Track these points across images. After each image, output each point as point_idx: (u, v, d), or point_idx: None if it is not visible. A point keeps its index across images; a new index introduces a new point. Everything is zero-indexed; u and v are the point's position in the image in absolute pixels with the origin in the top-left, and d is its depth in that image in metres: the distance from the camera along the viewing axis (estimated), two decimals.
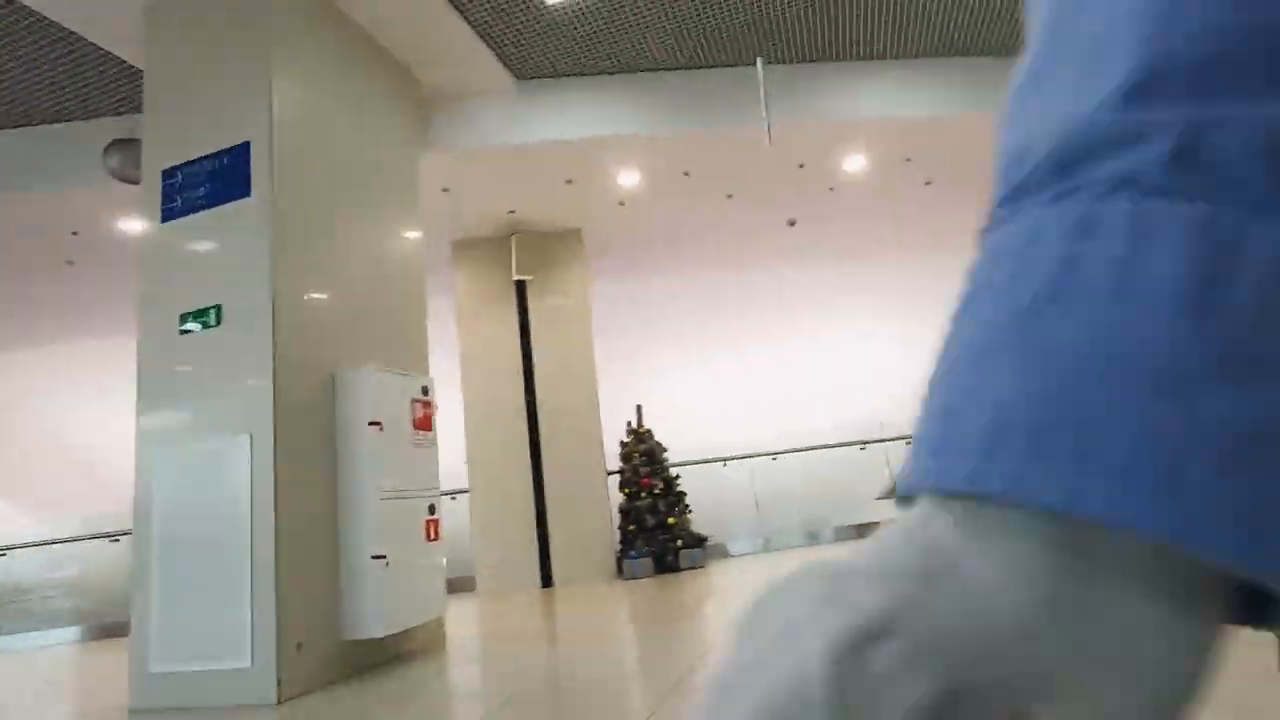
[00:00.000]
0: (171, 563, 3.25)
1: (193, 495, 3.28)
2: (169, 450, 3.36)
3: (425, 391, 3.97)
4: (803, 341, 9.63)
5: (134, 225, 5.62)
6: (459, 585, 6.65)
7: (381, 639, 3.54)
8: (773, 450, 7.60)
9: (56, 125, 5.12)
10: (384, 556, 3.42)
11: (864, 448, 7.68)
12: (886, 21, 5.29)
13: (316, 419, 3.49)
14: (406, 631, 3.76)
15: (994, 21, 5.42)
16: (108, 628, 6.60)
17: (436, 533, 3.85)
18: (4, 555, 7.42)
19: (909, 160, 6.37)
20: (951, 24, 5.40)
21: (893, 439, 7.66)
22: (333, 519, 3.46)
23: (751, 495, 7.54)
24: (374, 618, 3.35)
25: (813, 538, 7.21)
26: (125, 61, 4.52)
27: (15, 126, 5.13)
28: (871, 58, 5.69)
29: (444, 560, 3.90)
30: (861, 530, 7.11)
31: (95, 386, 9.17)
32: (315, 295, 3.64)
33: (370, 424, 3.52)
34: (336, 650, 3.34)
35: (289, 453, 3.27)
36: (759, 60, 4.13)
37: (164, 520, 3.30)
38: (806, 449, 7.74)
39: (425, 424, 3.93)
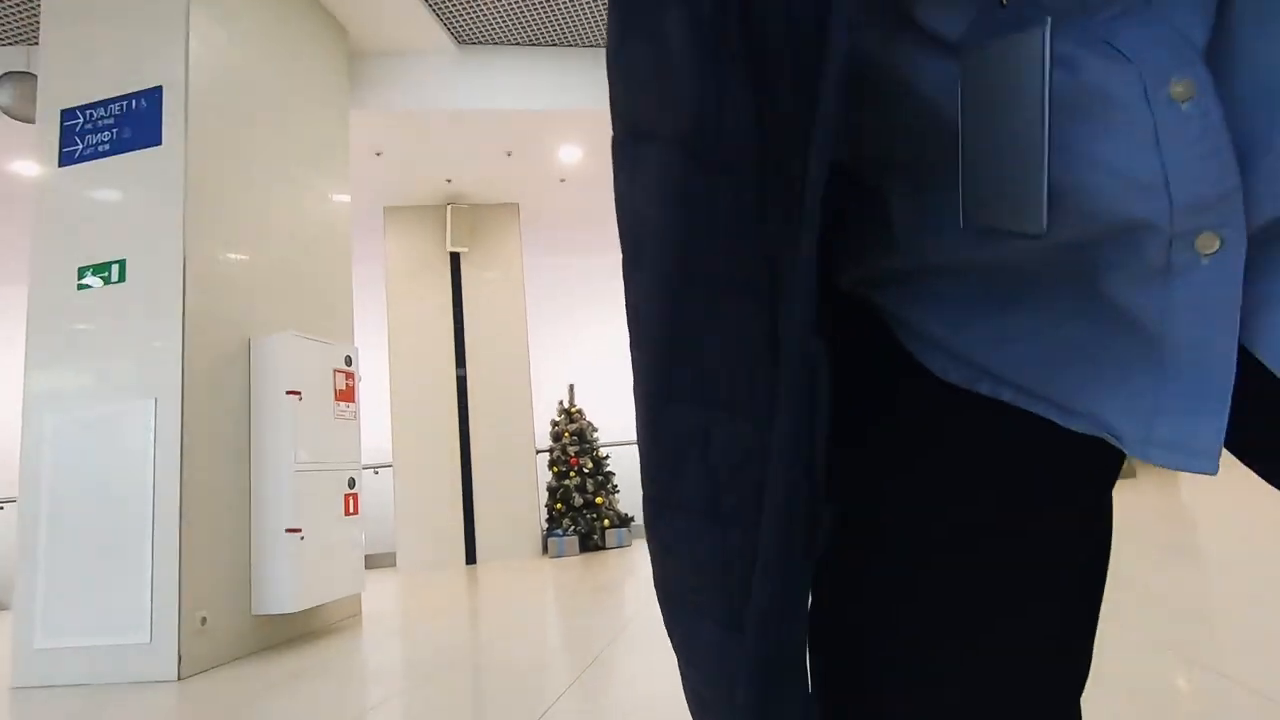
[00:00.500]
0: (62, 533, 3.05)
1: (88, 461, 3.07)
2: (62, 413, 3.13)
3: (348, 361, 3.84)
4: None
5: (28, 168, 5.17)
6: (380, 561, 6.52)
7: (294, 615, 3.44)
8: None
9: None
10: (299, 530, 3.31)
11: None
12: None
13: (229, 385, 3.32)
14: (321, 608, 3.67)
15: None
16: None
17: (355, 507, 3.75)
18: None
19: None
20: None
21: None
22: (245, 490, 3.32)
23: None
24: (286, 593, 3.24)
25: None
26: None
27: None
28: None
29: (362, 536, 3.81)
30: None
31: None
32: (231, 255, 3.45)
33: (288, 393, 3.38)
34: (245, 625, 3.23)
35: (197, 420, 3.11)
36: None
37: (55, 487, 3.09)
38: None
39: (348, 395, 3.80)
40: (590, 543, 6.24)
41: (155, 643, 2.89)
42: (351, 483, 3.74)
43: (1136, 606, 2.31)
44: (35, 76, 3.97)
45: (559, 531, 6.23)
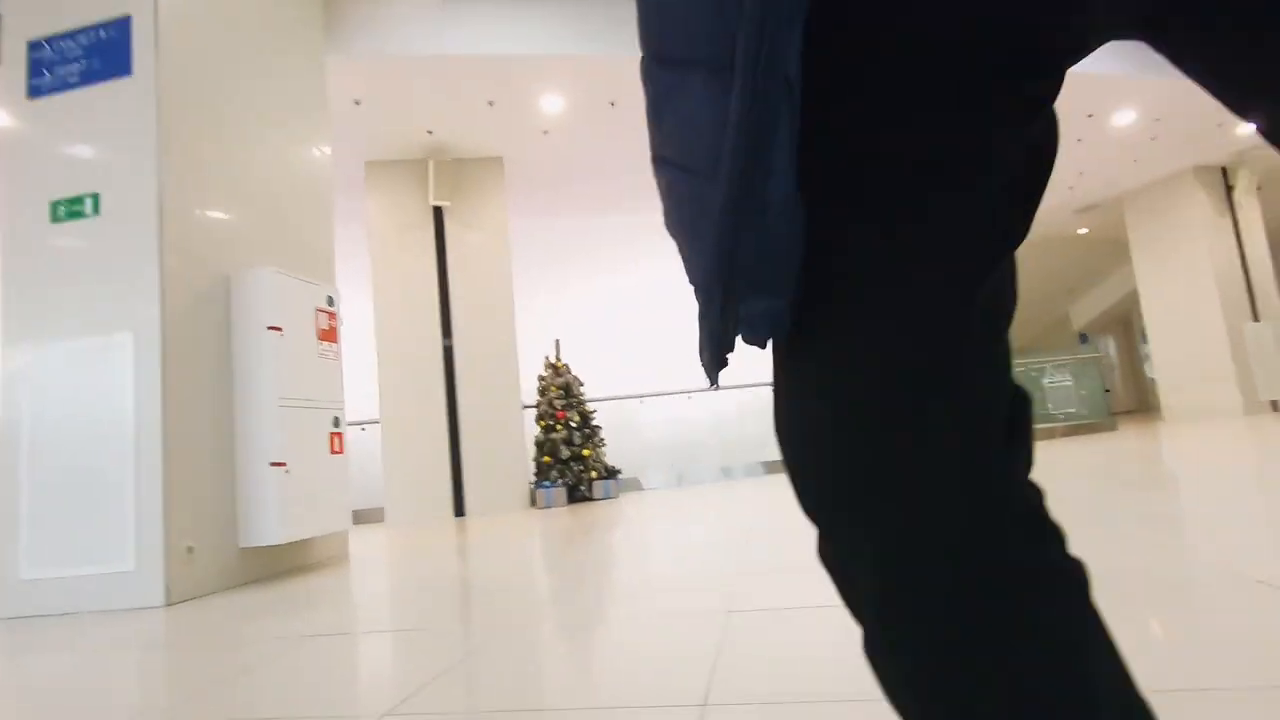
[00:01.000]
0: (44, 465, 3.05)
1: (68, 395, 3.06)
2: (39, 348, 3.11)
3: (330, 302, 3.83)
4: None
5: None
6: (369, 516, 6.57)
7: (281, 550, 3.48)
8: (687, 389, 7.78)
9: None
10: (284, 464, 3.33)
11: None
12: None
13: (209, 320, 3.31)
14: (307, 544, 3.70)
15: None
16: None
17: (341, 446, 3.77)
18: None
19: None
20: None
21: None
22: (229, 424, 3.33)
23: (666, 431, 7.73)
24: (271, 526, 3.27)
25: (726, 474, 7.49)
26: None
27: None
28: None
29: (347, 475, 3.83)
30: (771, 467, 7.44)
31: None
32: (208, 190, 3.41)
33: (269, 328, 3.37)
34: (233, 557, 3.26)
35: (178, 353, 3.10)
36: None
37: (35, 422, 3.08)
38: (721, 388, 7.96)
39: (330, 335, 3.80)
40: (578, 494, 6.31)
41: (140, 570, 2.91)
42: (336, 422, 3.75)
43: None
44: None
45: (547, 483, 6.29)
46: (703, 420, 7.96)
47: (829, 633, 1.44)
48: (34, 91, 3.30)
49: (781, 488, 5.47)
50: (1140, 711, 0.42)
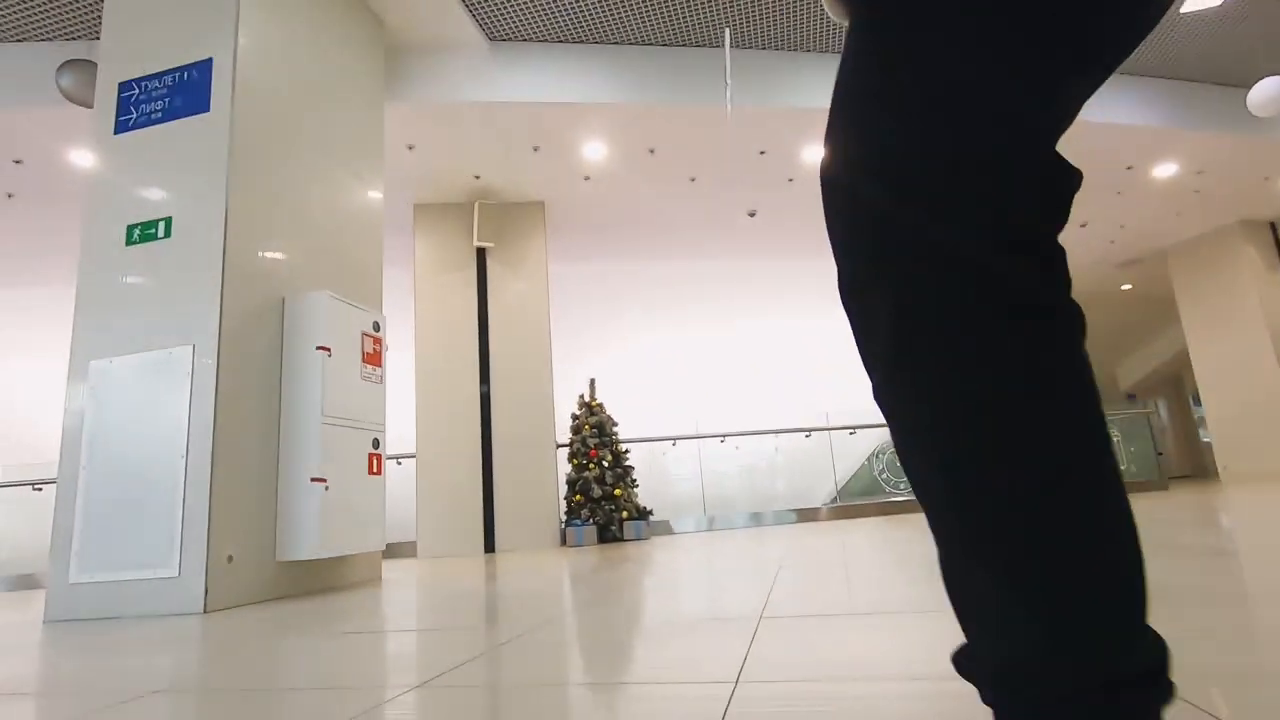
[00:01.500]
0: (100, 474, 3.18)
1: (128, 406, 3.22)
2: (106, 360, 3.29)
3: (376, 327, 3.98)
4: (754, 331, 9.84)
5: (84, 159, 5.47)
6: (400, 550, 6.59)
7: (316, 566, 3.52)
8: (721, 433, 7.74)
9: (7, 45, 4.98)
10: (324, 480, 3.40)
11: (809, 435, 7.88)
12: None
13: (263, 338, 3.47)
14: (342, 563, 3.74)
15: None
16: (26, 579, 6.33)
17: (379, 467, 3.85)
18: None
19: None
20: None
21: (836, 428, 7.89)
22: (274, 438, 3.44)
23: (698, 475, 7.66)
24: (309, 540, 3.33)
25: (756, 519, 7.36)
26: None
27: None
28: (831, 50, 5.94)
29: (384, 495, 3.89)
30: (803, 514, 7.29)
31: (20, 341, 8.80)
32: (270, 218, 3.62)
33: (319, 348, 3.51)
34: (269, 570, 3.31)
35: (232, 367, 3.25)
36: (726, 31, 4.28)
37: (95, 430, 3.23)
38: (753, 433, 7.90)
39: (374, 359, 3.93)
40: (608, 533, 6.25)
41: (183, 577, 2.98)
42: (376, 443, 3.84)
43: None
44: (95, 64, 4.25)
45: (577, 521, 6.26)
46: (735, 466, 7.88)
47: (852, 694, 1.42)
48: (120, 128, 3.59)
49: (813, 536, 5.31)
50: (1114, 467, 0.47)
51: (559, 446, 6.73)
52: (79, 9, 4.73)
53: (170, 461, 3.10)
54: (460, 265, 6.79)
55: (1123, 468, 8.84)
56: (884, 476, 8.28)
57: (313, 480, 3.38)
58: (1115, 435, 9.01)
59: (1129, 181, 7.40)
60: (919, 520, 6.23)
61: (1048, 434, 0.45)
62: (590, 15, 5.27)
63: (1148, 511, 4.94)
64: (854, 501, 7.87)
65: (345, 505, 3.52)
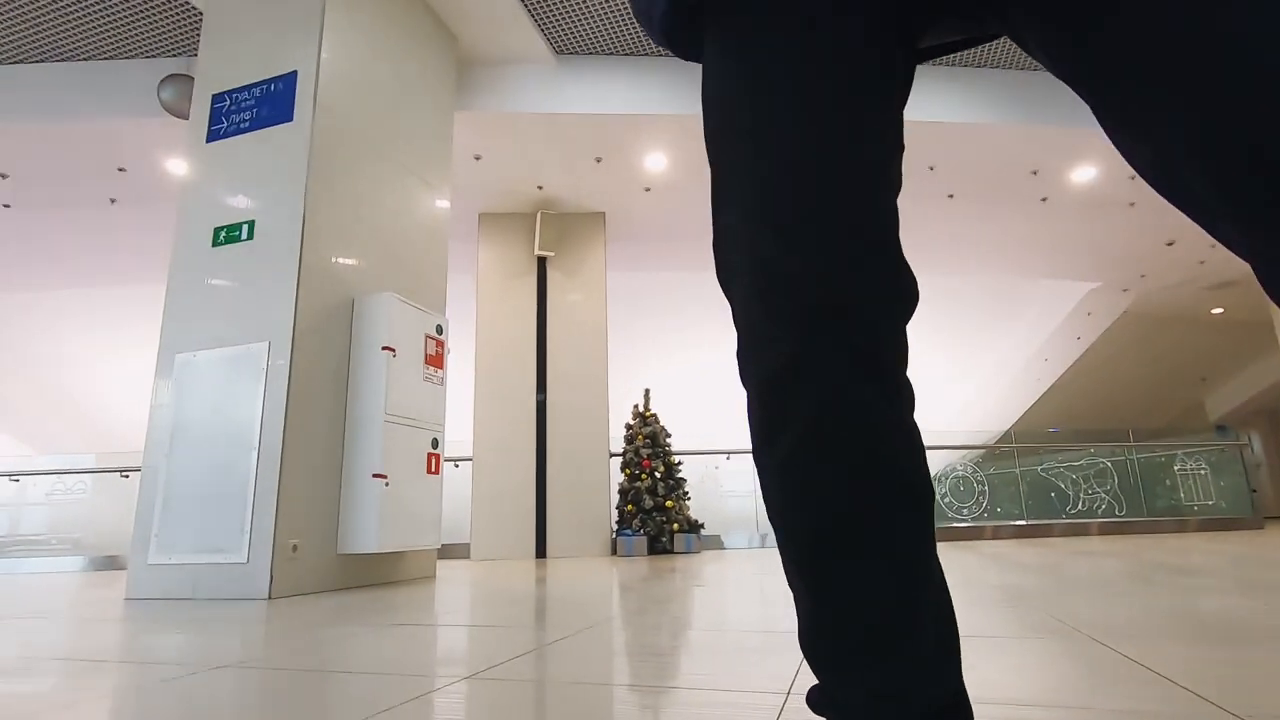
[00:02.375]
0: (181, 461, 3.36)
1: (208, 398, 3.39)
2: (189, 354, 3.49)
3: (439, 330, 4.09)
4: None
5: (179, 166, 5.84)
6: (454, 551, 6.71)
7: (375, 559, 3.62)
8: None
9: (117, 61, 5.38)
10: (384, 476, 3.50)
11: None
12: None
13: (333, 337, 3.61)
14: (399, 558, 3.84)
15: None
16: (113, 560, 6.73)
17: (437, 467, 3.94)
18: (16, 481, 7.60)
19: (932, 169, 6.47)
20: None
21: None
22: (339, 434, 3.56)
23: (751, 492, 7.54)
24: (369, 534, 3.42)
25: None
26: (184, 3, 4.76)
27: (82, 59, 5.40)
28: None
29: (441, 494, 3.97)
30: None
31: (119, 338, 9.42)
32: (344, 223, 3.78)
33: (384, 348, 3.63)
34: (331, 561, 3.42)
35: (304, 364, 3.39)
36: None
37: (177, 421, 3.42)
38: None
39: (437, 361, 4.03)
40: (659, 545, 6.22)
41: (251, 563, 3.11)
42: (435, 443, 3.93)
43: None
44: (192, 78, 4.55)
45: (628, 531, 6.25)
46: None
47: None
48: (211, 136, 3.81)
49: None
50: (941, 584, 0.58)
51: (612, 456, 6.75)
52: (180, 27, 5.08)
53: (243, 453, 3.25)
54: (521, 273, 6.93)
55: (1210, 503, 8.26)
56: (946, 500, 7.98)
57: (374, 476, 3.49)
58: (1203, 469, 8.45)
59: None
60: (980, 546, 5.96)
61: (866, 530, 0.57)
62: None
63: (1239, 552, 4.59)
64: None
65: (404, 502, 3.61)
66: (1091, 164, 6.38)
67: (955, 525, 7.62)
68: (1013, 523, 7.74)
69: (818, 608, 0.57)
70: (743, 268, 0.58)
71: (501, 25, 5.06)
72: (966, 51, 5.66)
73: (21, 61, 5.40)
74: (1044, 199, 6.95)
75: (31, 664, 1.66)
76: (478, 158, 6.05)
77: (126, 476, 6.94)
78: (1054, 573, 3.27)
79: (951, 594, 0.59)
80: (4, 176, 6.07)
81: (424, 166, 4.53)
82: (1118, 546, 5.39)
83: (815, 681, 0.60)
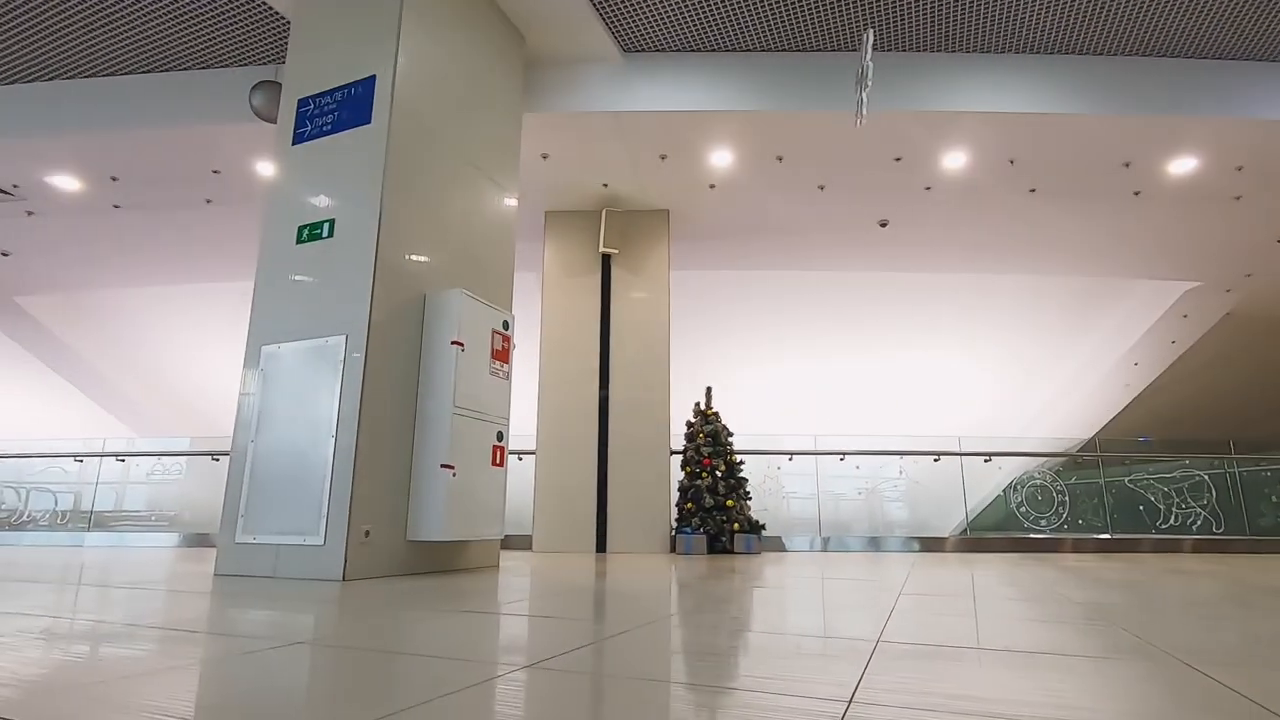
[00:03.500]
0: (263, 446, 3.56)
1: (290, 386, 3.58)
2: (275, 346, 3.68)
3: (506, 325, 4.18)
4: (882, 346, 9.38)
5: (267, 168, 6.17)
6: (517, 543, 6.86)
7: (441, 547, 3.74)
8: (840, 451, 7.44)
9: (212, 70, 5.73)
10: (452, 467, 3.61)
11: (938, 460, 7.40)
12: (996, 14, 5.18)
13: (405, 331, 3.74)
14: (464, 547, 3.95)
15: (1106, 21, 5.21)
16: (204, 537, 7.20)
17: (502, 459, 4.03)
18: (122, 461, 8.22)
19: (1012, 162, 6.18)
20: (1063, 20, 5.23)
21: (970, 454, 7.35)
22: (410, 425, 3.70)
23: (814, 494, 7.40)
24: (436, 522, 3.54)
25: (874, 544, 7.00)
26: (274, 13, 5.02)
27: (181, 69, 5.78)
28: (979, 50, 5.58)
29: (505, 486, 4.07)
30: (928, 544, 6.85)
31: (214, 330, 10.05)
32: (417, 221, 3.91)
33: (453, 342, 3.74)
34: (400, 547, 3.56)
35: (378, 356, 3.53)
36: (870, 32, 4.15)
37: (263, 409, 3.62)
38: (876, 453, 7.53)
39: (503, 356, 4.13)
40: (718, 544, 6.19)
41: (327, 546, 3.26)
42: (500, 436, 4.02)
43: None
44: (280, 84, 4.80)
45: (688, 529, 6.24)
46: (853, 486, 7.55)
47: None
48: (296, 139, 4.01)
49: (939, 566, 4.96)
50: None
51: (673, 453, 6.75)
52: (270, 36, 5.36)
53: (321, 441, 3.41)
54: (586, 270, 7.01)
55: None
56: (1023, 510, 7.62)
57: (442, 466, 3.60)
58: None
59: None
60: (1059, 560, 5.66)
61: None
62: (722, 24, 5.28)
63: None
64: (985, 534, 7.29)
65: (470, 493, 3.72)
66: (1191, 155, 5.95)
67: (1032, 536, 7.27)
68: (1095, 536, 7.32)
69: None
70: None
71: (570, 25, 5.13)
72: (1044, 35, 5.38)
73: (130, 73, 5.82)
74: (1136, 193, 6.53)
75: (135, 631, 1.79)
76: (545, 156, 6.15)
77: (217, 460, 7.40)
78: (1141, 591, 3.08)
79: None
80: (114, 179, 6.57)
81: (493, 166, 4.64)
82: (1214, 566, 5.03)
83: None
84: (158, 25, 5.29)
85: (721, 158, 6.14)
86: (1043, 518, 7.56)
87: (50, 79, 5.90)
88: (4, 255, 8.18)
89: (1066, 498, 7.64)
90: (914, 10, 5.15)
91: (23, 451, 8.89)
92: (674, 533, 6.41)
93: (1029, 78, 5.56)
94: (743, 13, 5.17)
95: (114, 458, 8.32)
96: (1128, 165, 6.12)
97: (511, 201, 4.80)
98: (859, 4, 5.10)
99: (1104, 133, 5.71)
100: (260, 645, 1.56)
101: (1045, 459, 8.23)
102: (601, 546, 6.42)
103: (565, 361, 6.82)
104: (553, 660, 1.41)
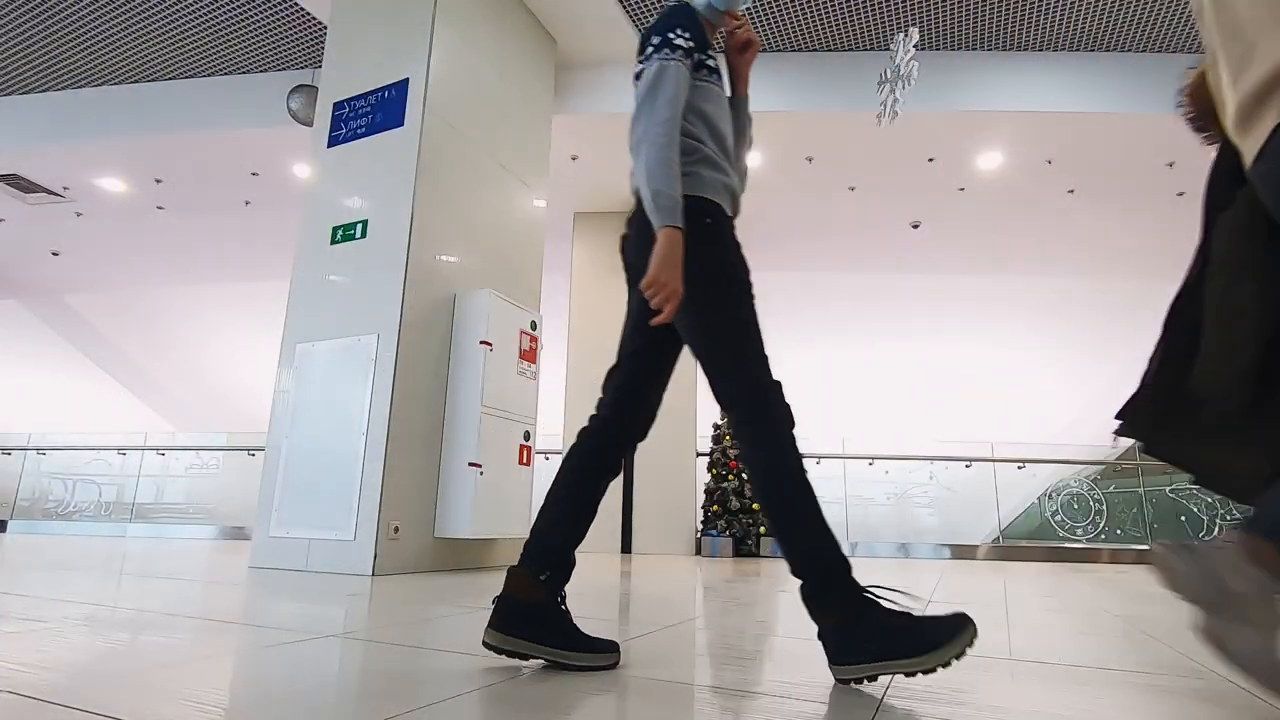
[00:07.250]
0: (298, 443, 3.63)
1: (324, 384, 3.65)
2: (309, 344, 3.76)
3: (534, 326, 4.21)
4: (911, 350, 9.24)
5: (304, 170, 6.31)
6: None
7: (468, 545, 3.78)
8: (869, 455, 7.35)
9: (251, 74, 5.88)
10: (479, 466, 3.65)
11: (969, 466, 7.26)
12: (1033, 11, 5.07)
13: (435, 331, 3.79)
14: (491, 545, 3.99)
15: (1149, 17, 5.06)
16: (239, 530, 7.37)
17: (529, 458, 4.06)
18: (162, 455, 8.46)
19: (1050, 163, 6.04)
20: (1104, 16, 5.10)
21: (1003, 460, 7.20)
22: (439, 423, 3.74)
23: (841, 498, 7.32)
24: (464, 520, 3.58)
25: (904, 550, 6.89)
26: (311, 19, 5.13)
27: (221, 74, 5.94)
28: (1015, 49, 5.47)
29: (531, 485, 4.09)
30: (958, 551, 6.72)
31: (251, 328, 10.29)
32: (447, 222, 3.96)
33: (481, 342, 3.78)
34: (429, 544, 3.60)
35: (408, 355, 3.58)
36: (915, 31, 4.11)
37: (297, 405, 3.69)
38: (906, 458, 7.42)
39: (530, 356, 4.15)
40: (744, 547, 6.15)
41: (358, 541, 3.32)
42: (527, 435, 4.05)
43: None
44: (316, 88, 4.90)
45: (714, 532, 6.21)
46: (883, 491, 7.44)
47: None
48: (331, 142, 4.09)
49: (969, 574, 4.83)
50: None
51: (699, 455, 6.73)
52: (307, 41, 5.48)
53: (353, 438, 3.47)
54: (614, 272, 6.97)
55: None
56: (1058, 519, 7.44)
57: (470, 465, 3.64)
58: None
59: None
60: (1095, 570, 5.51)
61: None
62: (752, 25, 5.25)
63: None
64: (1018, 542, 7.13)
65: (497, 491, 3.75)
66: None
67: (1067, 546, 7.09)
68: (1134, 547, 7.11)
69: None
70: None
71: (602, 29, 5.15)
72: (1082, 32, 5.25)
73: (172, 78, 6.00)
74: (1180, 194, 6.34)
75: (173, 620, 1.85)
76: (574, 158, 6.18)
77: (253, 455, 7.57)
78: (1185, 605, 2.98)
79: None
80: (158, 182, 6.77)
81: (523, 167, 4.68)
82: None
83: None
84: (201, 32, 5.44)
85: (750, 158, 6.08)
86: (1079, 527, 7.37)
87: (99, 84, 6.11)
88: (54, 255, 8.49)
89: (1104, 506, 7.44)
90: (949, 8, 5.06)
91: (70, 444, 9.21)
92: (699, 535, 6.39)
93: (1068, 75, 5.43)
94: (773, 13, 5.14)
95: (155, 451, 8.58)
96: (1171, 165, 5.94)
97: (541, 203, 4.84)
98: (891, 3, 5.04)
99: (1147, 132, 5.56)
100: (293, 638, 1.59)
101: (1081, 466, 8.02)
102: (626, 548, 6.43)
103: (592, 362, 6.81)
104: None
